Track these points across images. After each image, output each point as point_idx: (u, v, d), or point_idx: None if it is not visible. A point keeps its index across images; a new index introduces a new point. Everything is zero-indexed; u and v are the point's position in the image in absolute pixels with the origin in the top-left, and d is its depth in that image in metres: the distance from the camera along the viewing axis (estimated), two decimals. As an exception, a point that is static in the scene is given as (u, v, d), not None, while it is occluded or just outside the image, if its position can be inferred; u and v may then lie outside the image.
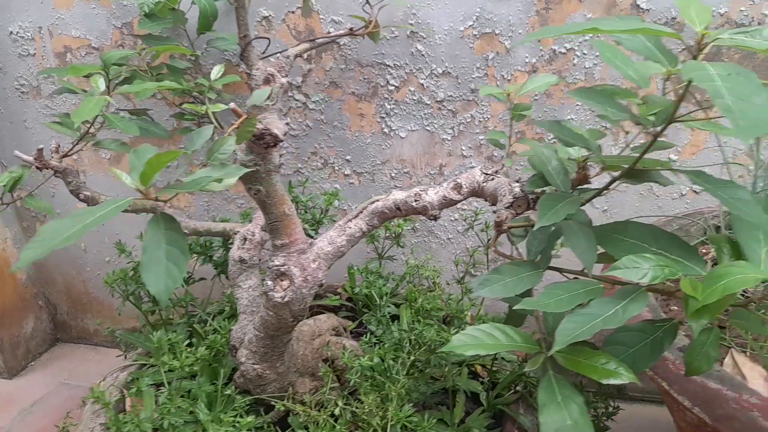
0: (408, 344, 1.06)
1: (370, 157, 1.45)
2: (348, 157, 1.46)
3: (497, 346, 0.60)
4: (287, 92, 1.41)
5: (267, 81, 0.81)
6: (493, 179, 0.90)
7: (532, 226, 0.70)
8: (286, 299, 0.89)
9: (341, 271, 1.60)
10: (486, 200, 0.91)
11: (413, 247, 1.52)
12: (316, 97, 1.41)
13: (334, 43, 1.35)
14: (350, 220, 0.97)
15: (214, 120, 0.79)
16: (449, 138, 1.38)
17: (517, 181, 0.83)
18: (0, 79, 1.56)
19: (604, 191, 0.64)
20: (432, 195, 0.91)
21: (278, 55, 0.97)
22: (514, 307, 0.58)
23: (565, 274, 0.67)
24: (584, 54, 1.26)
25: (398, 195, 0.93)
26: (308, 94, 1.42)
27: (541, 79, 0.90)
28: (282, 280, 0.90)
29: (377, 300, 1.28)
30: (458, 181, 0.91)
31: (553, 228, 0.67)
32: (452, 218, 1.46)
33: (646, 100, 0.61)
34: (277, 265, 0.90)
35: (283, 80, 0.82)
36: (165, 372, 0.93)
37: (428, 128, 1.38)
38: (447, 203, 0.91)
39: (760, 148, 0.89)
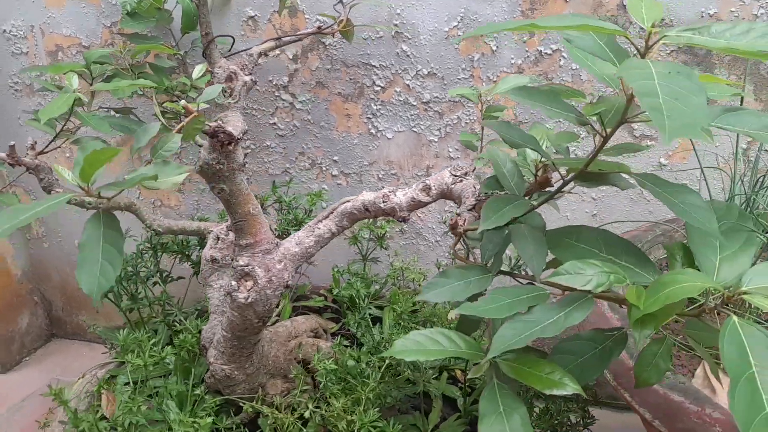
0: (385, 347, 1.05)
1: (358, 158, 1.44)
2: (335, 158, 1.45)
3: (440, 352, 0.58)
4: (259, 90, 1.40)
5: (229, 79, 0.80)
6: (461, 181, 0.88)
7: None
8: (249, 300, 0.88)
9: (327, 272, 1.58)
10: (455, 202, 0.89)
11: (401, 250, 1.50)
12: (303, 97, 1.40)
13: (320, 43, 1.34)
14: (320, 221, 0.96)
15: (160, 118, 0.78)
16: (436, 140, 1.36)
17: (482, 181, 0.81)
18: (-6, 77, 1.57)
19: (557, 195, 0.62)
20: (400, 196, 0.89)
21: (242, 53, 0.96)
22: (455, 311, 0.57)
23: (518, 279, 0.65)
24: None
25: (367, 196, 0.92)
26: (295, 94, 1.41)
27: (512, 80, 0.88)
28: (246, 281, 0.89)
29: (357, 302, 1.26)
30: (427, 182, 0.89)
31: (506, 231, 0.65)
32: (440, 220, 1.44)
33: (601, 101, 0.59)
34: (241, 266, 0.89)
35: (246, 78, 0.81)
36: (130, 371, 0.92)
37: (415, 129, 1.37)
38: (416, 205, 0.90)
39: (739, 154, 0.85)
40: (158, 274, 1.17)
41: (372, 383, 0.96)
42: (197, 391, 0.98)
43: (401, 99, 1.35)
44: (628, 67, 0.46)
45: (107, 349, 1.34)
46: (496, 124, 0.61)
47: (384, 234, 1.31)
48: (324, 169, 1.48)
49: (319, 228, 0.95)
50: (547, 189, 0.72)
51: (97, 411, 0.84)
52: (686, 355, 0.82)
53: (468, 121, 1.33)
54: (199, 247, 1.21)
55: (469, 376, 0.59)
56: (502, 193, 0.66)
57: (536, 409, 1.05)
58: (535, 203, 0.62)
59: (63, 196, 0.60)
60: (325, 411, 0.98)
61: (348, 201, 0.94)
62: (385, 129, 1.38)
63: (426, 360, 0.57)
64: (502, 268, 0.65)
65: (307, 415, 0.99)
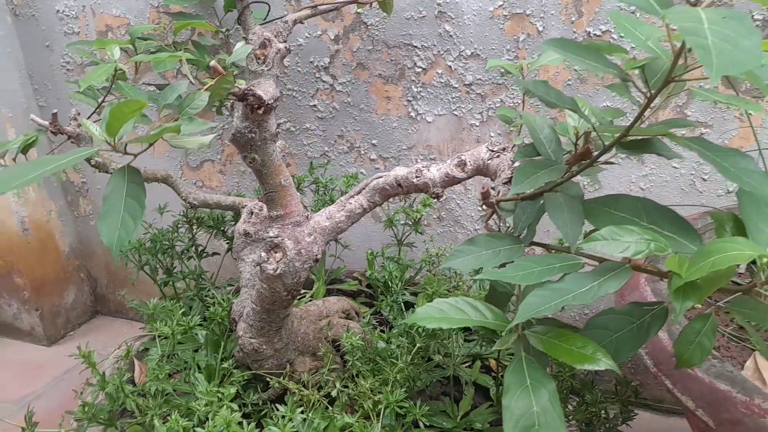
0: (416, 332, 1.02)
1: (396, 142, 1.42)
2: (374, 141, 1.43)
3: (464, 320, 0.55)
4: (300, 71, 1.40)
5: (263, 46, 0.79)
6: (498, 156, 0.84)
7: (521, 199, 0.65)
8: (278, 272, 0.87)
9: (363, 257, 1.57)
10: (491, 179, 0.85)
11: (437, 237, 1.47)
12: (344, 79, 1.39)
13: (361, 24, 1.33)
14: (351, 197, 0.94)
15: (189, 76, 0.78)
16: (478, 123, 1.33)
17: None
18: (47, 56, 1.62)
19: (596, 162, 0.58)
20: (434, 172, 0.87)
21: (277, 20, 0.95)
22: (477, 277, 0.54)
23: (550, 250, 0.61)
24: (621, 36, 1.17)
25: (400, 171, 0.90)
26: (335, 76, 1.40)
27: (552, 54, 0.84)
28: (275, 252, 0.88)
29: (391, 286, 1.24)
30: (462, 157, 0.86)
31: (541, 201, 0.61)
32: (480, 208, 1.40)
33: (646, 59, 0.55)
34: (270, 237, 0.88)
35: (281, 46, 0.80)
36: (159, 340, 0.93)
37: (456, 113, 1.33)
38: (450, 181, 0.87)
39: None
40: (193, 249, 1.18)
41: (401, 364, 0.93)
42: (225, 365, 0.98)
43: (443, 81, 1.32)
44: (675, 11, 0.43)
45: (144, 323, 1.36)
46: (532, 83, 0.58)
47: (420, 218, 1.28)
48: (362, 152, 1.46)
49: (351, 203, 0.93)
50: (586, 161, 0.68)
51: (125, 375, 0.84)
52: (736, 347, 0.76)
53: (512, 104, 1.29)
54: (234, 223, 1.21)
55: (494, 348, 0.56)
56: (538, 158, 0.63)
57: (571, 404, 1.00)
58: (574, 170, 0.58)
59: (88, 150, 0.60)
60: (352, 390, 0.96)
61: (380, 176, 0.92)
62: (426, 112, 1.36)
63: (449, 327, 0.54)
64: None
65: (334, 393, 0.97)
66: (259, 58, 0.81)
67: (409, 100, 1.36)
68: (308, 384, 0.99)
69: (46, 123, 1.01)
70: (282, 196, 0.88)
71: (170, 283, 1.18)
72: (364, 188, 0.94)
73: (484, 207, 0.84)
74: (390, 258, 1.28)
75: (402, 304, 1.22)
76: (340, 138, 1.46)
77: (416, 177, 0.87)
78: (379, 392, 0.93)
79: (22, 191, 1.71)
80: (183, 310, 0.95)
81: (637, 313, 0.54)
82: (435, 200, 0.91)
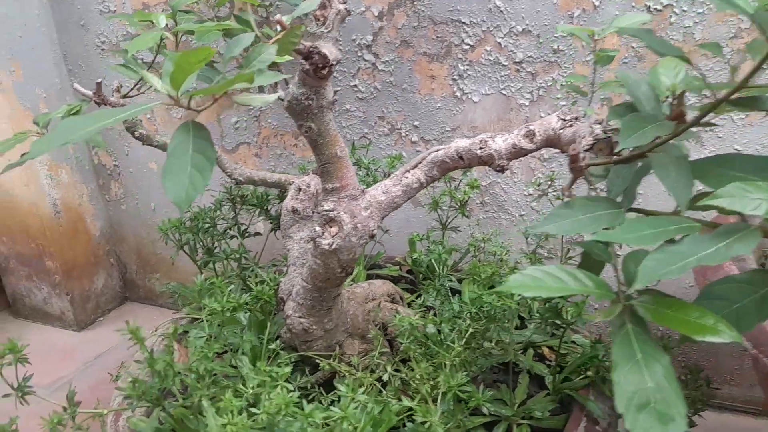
0: (468, 316, 0.97)
1: (440, 123, 1.37)
2: (416, 123, 1.39)
3: (563, 289, 0.51)
4: (341, 49, 1.35)
5: (323, 6, 0.75)
6: (571, 126, 0.79)
7: (615, 162, 0.60)
8: (334, 246, 0.83)
9: (402, 242, 1.52)
10: (563, 151, 0.80)
11: (481, 222, 1.42)
12: (386, 57, 1.35)
13: (407, -1, 1.28)
14: (408, 171, 0.89)
15: (255, 29, 0.74)
16: (527, 103, 1.28)
17: (600, 123, 0.73)
18: (82, 35, 1.60)
19: (703, 120, 0.53)
20: (500, 142, 0.82)
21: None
22: (594, 238, 0.49)
23: (648, 215, 0.56)
24: (683, 11, 1.12)
25: (461, 143, 0.85)
26: (378, 54, 1.35)
27: (631, 17, 0.79)
28: (331, 227, 0.84)
29: (437, 269, 1.19)
30: (531, 127, 0.81)
31: (639, 164, 0.56)
32: (526, 192, 1.35)
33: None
34: (326, 210, 0.84)
35: (341, 7, 0.76)
36: (206, 317, 0.89)
37: (504, 92, 1.28)
38: (517, 152, 0.82)
39: None
40: (236, 228, 1.14)
41: (458, 348, 0.89)
42: (272, 346, 0.94)
43: (491, 59, 1.27)
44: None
45: (180, 307, 1.33)
46: (637, 30, 0.52)
47: (466, 201, 1.23)
48: (403, 135, 1.41)
49: (407, 177, 0.88)
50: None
51: (172, 352, 0.81)
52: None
53: (563, 83, 1.23)
54: (279, 201, 1.17)
55: (597, 320, 0.51)
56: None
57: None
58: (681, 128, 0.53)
59: (149, 104, 0.56)
60: (406, 374, 0.92)
61: (439, 149, 0.88)
62: (472, 92, 1.31)
63: (548, 296, 0.49)
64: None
65: (385, 378, 0.93)
66: (319, 20, 0.76)
67: (454, 79, 1.31)
68: (358, 367, 0.94)
69: (90, 93, 0.97)
70: (338, 168, 0.84)
71: (211, 263, 1.15)
72: (420, 162, 0.89)
73: (569, 169, 0.79)
74: (436, 242, 1.23)
75: (448, 288, 1.17)
76: (380, 119, 1.42)
77: (480, 148, 0.82)
78: (434, 377, 0.88)
79: (55, 173, 1.68)
80: (231, 286, 0.91)
81: (761, 281, 0.49)
82: (497, 172, 0.86)
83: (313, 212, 1.05)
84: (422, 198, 1.47)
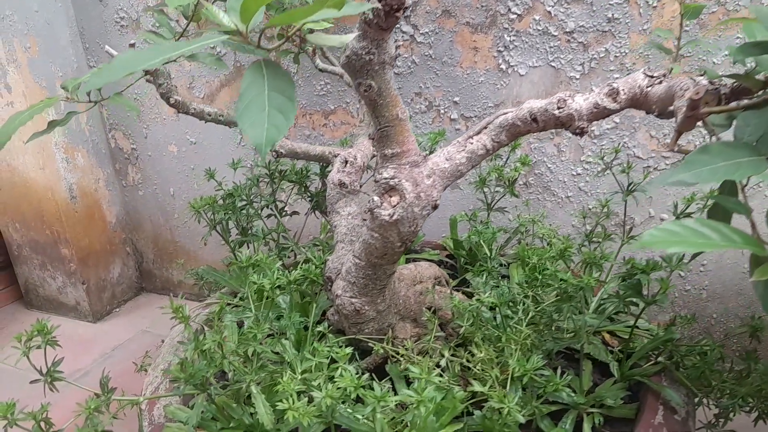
0: (524, 302, 0.90)
1: (482, 99, 1.29)
2: (456, 99, 1.31)
3: (708, 244, 0.43)
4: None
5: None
6: (660, 82, 0.72)
7: (745, 108, 0.53)
8: (394, 217, 0.75)
9: (439, 228, 1.45)
10: (651, 111, 0.73)
11: (523, 206, 1.35)
12: (426, 29, 1.27)
13: (450, -35, 1.21)
14: (472, 136, 0.82)
15: None
16: (578, 76, 1.20)
17: (702, 74, 0.65)
18: (101, 11, 1.52)
19: None
20: (580, 102, 0.74)
21: None
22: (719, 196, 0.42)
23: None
24: (755, -28, 1.04)
25: (535, 103, 0.77)
26: (417, 25, 1.28)
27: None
28: (391, 196, 0.77)
29: (486, 251, 1.12)
30: (614, 85, 0.74)
31: (776, 107, 0.49)
32: (574, 172, 1.27)
33: None
34: (386, 178, 0.76)
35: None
36: (253, 293, 0.82)
37: (553, 64, 1.21)
38: (599, 113, 0.74)
39: None
40: (274, 205, 1.06)
41: (526, 330, 0.81)
42: (319, 329, 0.86)
43: (540, 28, 1.19)
44: None
45: (206, 294, 1.26)
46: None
47: (515, 179, 1.15)
48: (442, 112, 1.34)
49: (472, 143, 0.81)
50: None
51: (222, 332, 0.73)
52: None
53: (618, 54, 1.16)
54: (320, 177, 1.09)
55: (752, 279, 0.44)
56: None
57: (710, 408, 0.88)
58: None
59: (216, 37, 0.49)
60: (466, 359, 0.84)
61: (507, 112, 0.80)
62: (518, 64, 1.23)
63: (694, 251, 0.42)
64: None
65: (442, 363, 0.86)
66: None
67: (499, 51, 1.24)
68: (413, 351, 0.87)
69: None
70: (398, 132, 0.76)
71: (246, 244, 1.07)
72: (487, 126, 0.82)
73: (682, 116, 0.71)
74: (483, 222, 1.15)
75: (498, 270, 1.10)
76: (417, 96, 1.35)
77: (558, 108, 0.74)
78: (498, 362, 0.81)
79: (71, 156, 1.61)
80: (279, 263, 0.83)
81: None
82: (575, 135, 0.78)
83: (361, 186, 0.98)
84: (460, 180, 1.39)
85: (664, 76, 0.73)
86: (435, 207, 0.79)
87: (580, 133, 0.77)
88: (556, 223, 1.32)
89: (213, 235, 1.07)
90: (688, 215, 0.95)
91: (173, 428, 0.82)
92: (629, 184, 1.00)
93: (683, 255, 0.79)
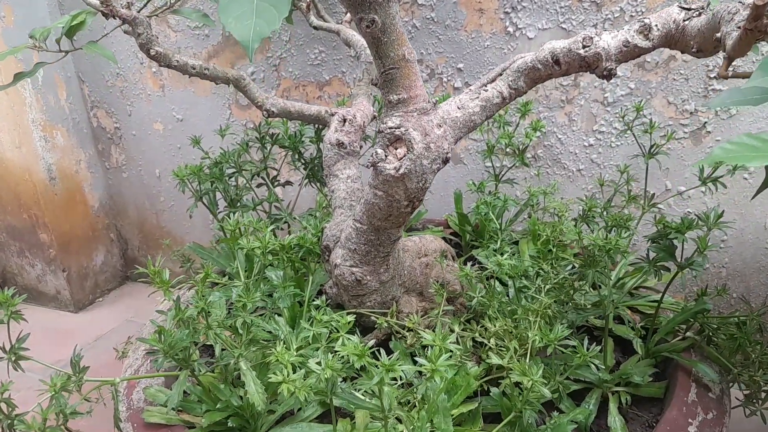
0: (541, 272, 0.82)
1: (488, 65, 1.21)
2: (460, 65, 1.23)
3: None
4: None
5: None
6: (699, 15, 0.64)
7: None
8: (401, 171, 0.67)
9: (441, 206, 1.37)
10: (688, 48, 0.65)
11: (531, 180, 1.27)
12: (428, -10, 1.19)
13: None
14: (486, 84, 0.74)
15: None
16: (589, 38, 1.12)
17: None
18: (81, -23, 1.43)
19: None
20: (608, 40, 0.66)
21: None
22: None
23: None
24: None
25: (557, 43, 0.70)
26: (418, -13, 1.20)
27: None
28: (396, 147, 0.68)
29: (496, 224, 1.04)
30: (646, 21, 0.66)
31: None
32: (586, 143, 1.20)
33: None
34: (391, 127, 0.68)
35: None
36: (243, 265, 0.73)
37: (564, 26, 1.13)
38: (630, 52, 0.67)
39: None
40: (265, 173, 0.98)
41: (545, 299, 0.73)
42: (317, 302, 0.78)
43: (550, -13, 1.11)
44: None
45: (194, 275, 1.17)
46: None
47: (527, 146, 1.07)
48: (445, 80, 1.26)
49: (486, 90, 0.73)
50: None
51: (205, 298, 0.64)
52: None
53: (633, 13, 1.08)
54: (315, 142, 1.00)
55: None
56: None
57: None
58: None
59: None
60: (480, 333, 0.76)
61: (526, 55, 0.72)
62: (527, 26, 1.15)
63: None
64: None
65: (452, 338, 0.77)
66: None
67: (506, 12, 1.16)
68: (420, 326, 0.79)
69: (97, 2, 0.81)
70: (405, 75, 0.68)
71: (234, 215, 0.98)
72: (502, 72, 0.74)
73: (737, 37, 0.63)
74: (492, 193, 1.07)
75: (508, 245, 1.01)
76: (418, 63, 1.26)
77: (584, 48, 0.66)
78: (517, 335, 0.72)
79: (50, 134, 1.51)
80: (272, 227, 0.75)
81: None
82: (601, 79, 0.70)
83: (361, 147, 0.89)
84: (463, 153, 1.31)
85: (703, 8, 0.66)
86: (446, 161, 0.71)
87: (608, 76, 0.69)
88: (567, 199, 1.24)
89: (200, 217, 0.99)
90: (716, 180, 0.87)
91: (153, 412, 0.73)
92: (651, 146, 0.92)
93: (722, 212, 0.71)
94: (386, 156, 0.69)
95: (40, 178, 1.51)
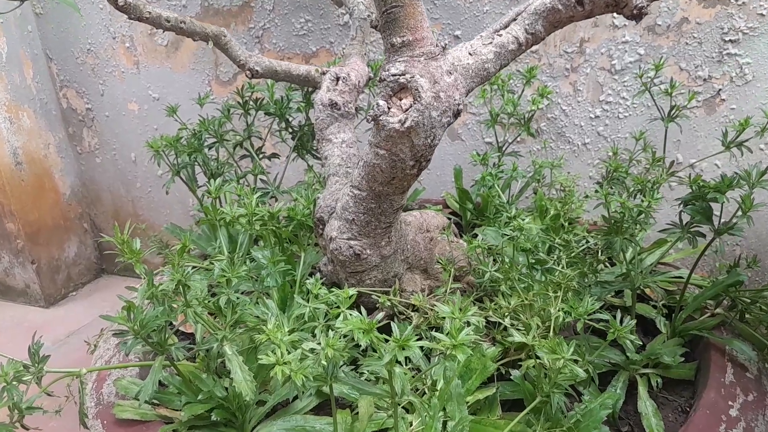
0: (560, 244, 0.74)
1: (487, 32, 1.13)
2: (457, 33, 1.15)
3: None
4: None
5: None
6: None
7: None
8: (407, 124, 0.59)
9: (438, 185, 1.29)
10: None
11: (534, 154, 1.19)
12: (422, -48, 1.11)
13: None
14: (499, 30, 0.66)
15: None
16: (596, 0, 1.05)
17: None
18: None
19: None
20: (640, -29, 0.59)
21: None
22: None
23: None
24: None
25: (581, -21, 0.62)
26: (412, -52, 1.11)
27: None
28: (401, 98, 0.60)
29: (503, 197, 0.96)
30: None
31: None
32: (592, 115, 1.12)
33: None
34: (395, 74, 0.59)
35: None
36: (225, 223, 0.64)
37: (569, -13, 1.05)
38: (663, -15, 0.59)
39: None
40: (249, 143, 0.88)
41: (569, 271, 0.65)
42: (311, 281, 0.69)
43: (554, -55, 1.03)
44: None
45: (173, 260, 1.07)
46: None
47: (532, 115, 1.00)
48: (441, 50, 1.17)
49: (501, 35, 0.65)
50: None
51: (183, 270, 0.55)
52: None
53: (645, -29, 1.00)
54: (305, 108, 0.90)
55: None
56: None
57: None
58: None
59: None
60: (493, 311, 0.68)
61: (544, -4, 0.64)
62: (529, -12, 1.07)
63: None
64: None
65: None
66: None
67: (508, -26, 1.08)
68: (427, 305, 0.70)
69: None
70: (409, 13, 0.60)
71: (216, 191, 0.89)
72: (517, 17, 0.65)
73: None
74: (497, 165, 0.99)
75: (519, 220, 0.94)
76: (412, 33, 1.18)
77: (613, -19, 0.59)
78: (536, 312, 0.64)
79: (15, 115, 1.40)
80: (258, 194, 0.66)
81: None
82: (630, 20, 0.63)
83: (357, 109, 0.80)
84: (461, 129, 1.23)
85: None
86: (457, 114, 0.62)
87: (638, 15, 0.61)
88: (573, 174, 1.17)
89: (180, 207, 0.90)
90: (741, 144, 0.80)
91: (125, 406, 0.64)
92: (672, 108, 0.85)
93: (766, 168, 0.63)
94: (389, 108, 0.60)
95: (5, 162, 1.40)
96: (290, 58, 1.28)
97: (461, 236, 1.07)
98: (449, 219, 1.12)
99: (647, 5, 0.59)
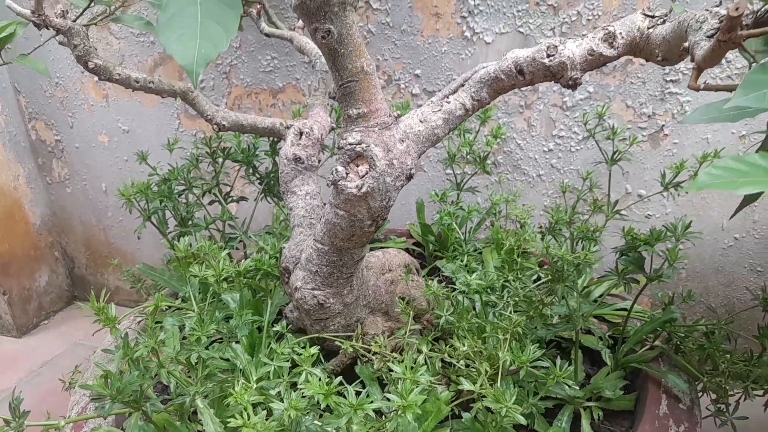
0: (507, 286, 0.80)
1: (445, 71, 1.19)
2: (417, 72, 1.21)
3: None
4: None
5: None
6: (664, 22, 0.63)
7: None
8: (363, 189, 0.64)
9: (403, 215, 1.34)
10: (653, 56, 0.64)
11: (492, 186, 1.25)
12: (382, -5, 1.16)
13: None
14: (448, 95, 0.71)
15: None
16: (547, 43, 1.11)
17: (719, 4, 0.57)
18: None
19: None
20: (573, 48, 0.64)
21: None
22: None
23: None
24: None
25: (520, 52, 0.68)
26: (373, -9, 1.16)
27: None
28: (358, 165, 0.65)
29: (459, 234, 1.01)
30: (610, 29, 0.64)
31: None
32: (546, 148, 1.19)
33: None
34: (351, 144, 0.64)
35: None
36: (196, 290, 0.68)
37: (521, 30, 1.12)
38: (594, 61, 0.65)
39: None
40: (218, 189, 0.93)
41: (515, 317, 0.71)
42: (276, 328, 0.74)
43: (506, -9, 1.10)
44: None
45: (144, 297, 1.11)
46: None
47: (488, 154, 1.05)
48: (402, 86, 1.23)
49: (449, 102, 0.70)
50: None
51: (156, 336, 0.59)
52: None
53: (591, 17, 1.07)
54: (270, 155, 0.95)
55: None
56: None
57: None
58: None
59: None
60: (448, 354, 0.73)
61: (489, 64, 0.70)
62: (484, 31, 1.13)
63: (755, 192, 0.31)
64: None
65: (420, 360, 0.74)
66: None
67: (463, 17, 1.13)
68: (387, 348, 0.75)
69: (28, 12, 0.75)
70: (364, 88, 0.64)
71: (186, 236, 0.93)
72: (464, 83, 0.71)
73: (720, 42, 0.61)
74: (454, 203, 1.05)
75: (475, 256, 0.99)
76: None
77: (548, 57, 0.64)
78: (486, 356, 0.70)
79: (-17, 149, 1.42)
80: (225, 252, 0.70)
81: None
82: (566, 89, 0.68)
83: (320, 162, 0.85)
84: (423, 161, 1.29)
85: (666, 15, 0.65)
86: (410, 177, 0.67)
87: (573, 85, 0.67)
88: (528, 205, 1.23)
89: (151, 234, 0.93)
90: (677, 185, 0.86)
91: (102, 456, 0.68)
92: (614, 152, 0.91)
93: (690, 222, 0.70)
94: (347, 174, 0.65)
95: (-27, 196, 1.41)
96: (257, 93, 1.32)
97: (425, 266, 1.12)
98: (414, 249, 1.18)
99: (580, 77, 0.65)
